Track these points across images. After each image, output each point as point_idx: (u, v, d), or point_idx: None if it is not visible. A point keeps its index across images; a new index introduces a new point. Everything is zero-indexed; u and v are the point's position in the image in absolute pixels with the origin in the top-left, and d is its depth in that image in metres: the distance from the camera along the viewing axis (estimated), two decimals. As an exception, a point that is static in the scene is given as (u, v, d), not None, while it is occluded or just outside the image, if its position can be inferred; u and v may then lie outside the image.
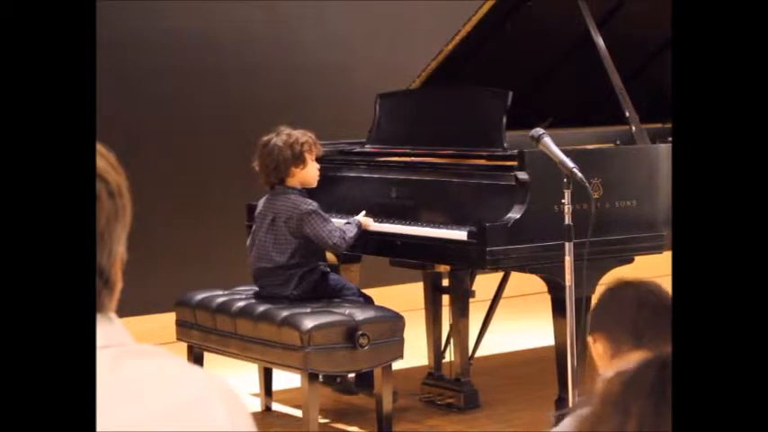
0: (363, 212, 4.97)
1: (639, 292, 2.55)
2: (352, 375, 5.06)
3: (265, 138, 4.88)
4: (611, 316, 2.52)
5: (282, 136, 4.85)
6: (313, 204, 4.80)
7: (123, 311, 1.42)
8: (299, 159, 4.82)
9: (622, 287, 2.58)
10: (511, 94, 4.76)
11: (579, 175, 4.08)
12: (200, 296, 5.04)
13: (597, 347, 2.52)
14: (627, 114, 4.91)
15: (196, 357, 5.05)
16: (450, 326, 5.11)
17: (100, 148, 1.33)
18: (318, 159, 4.93)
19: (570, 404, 4.05)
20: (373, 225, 4.91)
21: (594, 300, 2.67)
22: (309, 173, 4.87)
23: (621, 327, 2.49)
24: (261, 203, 4.95)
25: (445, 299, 5.21)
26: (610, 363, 2.49)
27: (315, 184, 4.91)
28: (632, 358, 2.47)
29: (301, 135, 4.86)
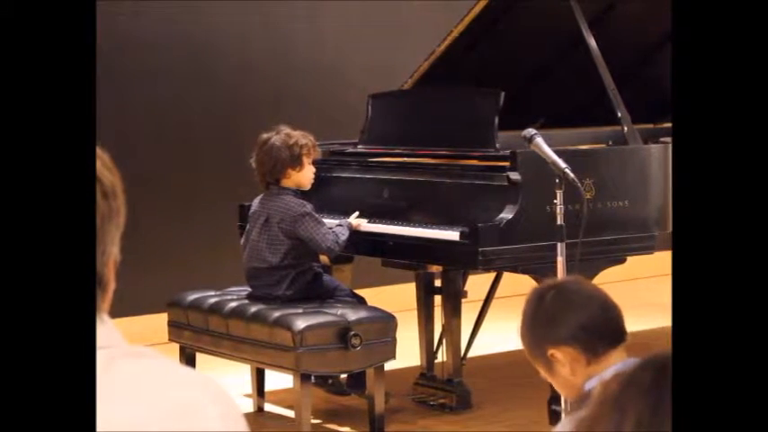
0: (357, 214, 4.96)
1: (575, 293, 2.51)
2: (344, 376, 5.07)
3: (265, 135, 4.87)
4: (568, 324, 2.45)
5: (282, 135, 4.83)
6: (307, 206, 4.79)
7: (115, 312, 1.41)
8: (296, 161, 4.81)
9: (568, 290, 2.53)
10: (503, 94, 4.77)
11: (571, 175, 4.09)
12: (192, 297, 5.04)
13: (566, 357, 2.45)
14: (619, 115, 4.92)
15: (188, 358, 5.04)
16: (443, 326, 5.11)
17: (95, 148, 1.33)
18: (313, 162, 4.92)
19: (562, 404, 4.05)
20: (365, 226, 4.91)
21: (534, 309, 2.56)
22: (305, 176, 4.87)
23: (588, 330, 2.45)
24: (255, 203, 4.95)
25: (437, 299, 5.21)
26: (586, 369, 2.45)
27: (308, 187, 4.90)
28: (614, 357, 2.45)
29: (301, 137, 4.84)
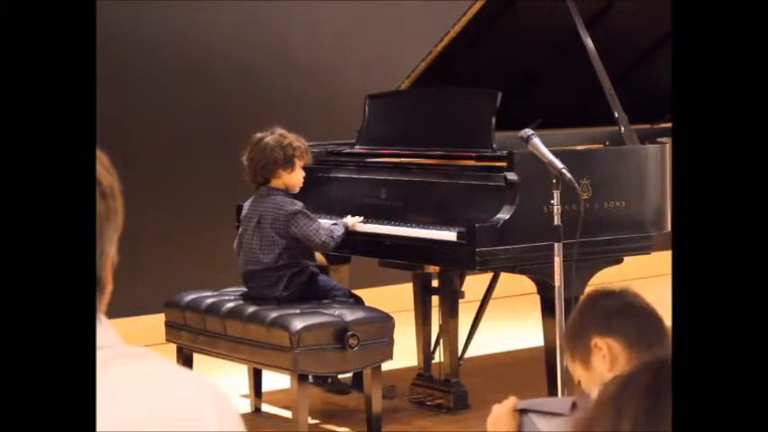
0: (360, 218, 4.95)
1: (637, 300, 2.57)
2: (344, 375, 5.07)
3: (258, 135, 4.87)
4: (623, 321, 2.50)
5: (276, 136, 4.84)
6: (298, 204, 4.80)
7: (112, 313, 1.42)
8: (288, 163, 4.82)
9: (629, 296, 2.58)
10: (500, 94, 4.76)
11: (568, 175, 4.08)
12: (189, 297, 5.03)
13: (609, 350, 2.48)
14: (616, 115, 4.92)
15: (185, 358, 5.04)
16: (440, 326, 5.11)
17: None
18: (304, 167, 4.92)
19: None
20: (359, 226, 4.91)
21: (590, 302, 2.62)
22: (295, 178, 4.87)
23: (640, 333, 2.48)
24: (246, 206, 4.95)
25: (435, 299, 5.21)
26: (622, 367, 2.47)
27: (297, 191, 4.90)
28: None
29: (295, 139, 4.85)
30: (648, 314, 2.54)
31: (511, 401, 2.60)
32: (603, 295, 2.60)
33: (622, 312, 2.52)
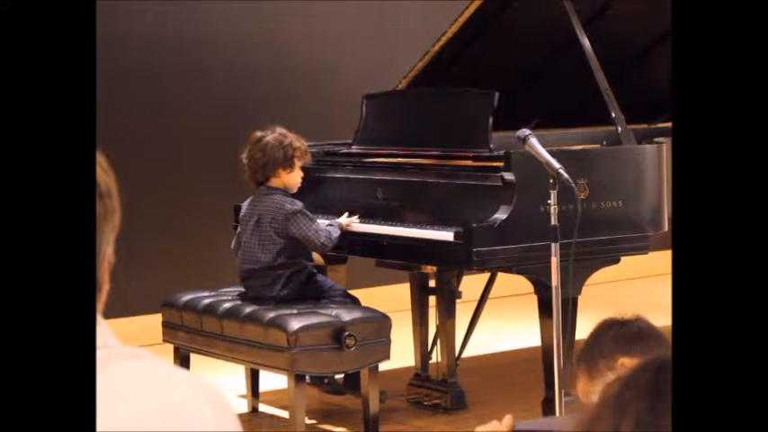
0: (347, 214, 4.96)
1: (656, 330, 2.62)
2: (339, 375, 5.07)
3: (259, 133, 4.87)
4: (651, 345, 2.53)
5: (277, 135, 4.85)
6: (298, 204, 4.80)
7: (109, 313, 1.41)
8: (288, 162, 4.82)
9: (640, 320, 2.62)
10: (497, 94, 4.77)
11: (565, 175, 4.08)
12: (186, 297, 5.03)
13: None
14: (613, 115, 4.92)
15: (182, 359, 5.04)
16: (437, 326, 5.12)
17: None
18: (302, 168, 4.92)
19: (556, 405, 4.05)
20: (356, 226, 4.91)
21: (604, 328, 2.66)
22: (294, 178, 4.87)
23: (664, 356, 2.53)
24: (245, 205, 4.95)
25: (432, 299, 5.21)
26: None
27: (295, 191, 4.90)
28: None
29: (295, 139, 4.86)
30: (660, 337, 2.58)
31: (508, 421, 2.60)
32: (617, 322, 2.62)
33: (651, 336, 2.56)
